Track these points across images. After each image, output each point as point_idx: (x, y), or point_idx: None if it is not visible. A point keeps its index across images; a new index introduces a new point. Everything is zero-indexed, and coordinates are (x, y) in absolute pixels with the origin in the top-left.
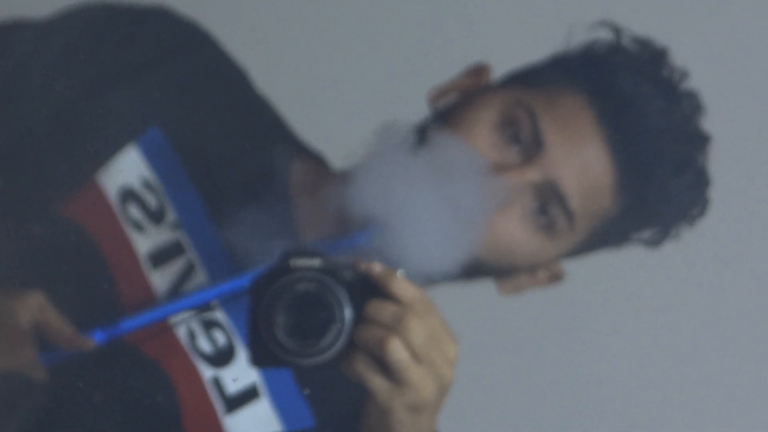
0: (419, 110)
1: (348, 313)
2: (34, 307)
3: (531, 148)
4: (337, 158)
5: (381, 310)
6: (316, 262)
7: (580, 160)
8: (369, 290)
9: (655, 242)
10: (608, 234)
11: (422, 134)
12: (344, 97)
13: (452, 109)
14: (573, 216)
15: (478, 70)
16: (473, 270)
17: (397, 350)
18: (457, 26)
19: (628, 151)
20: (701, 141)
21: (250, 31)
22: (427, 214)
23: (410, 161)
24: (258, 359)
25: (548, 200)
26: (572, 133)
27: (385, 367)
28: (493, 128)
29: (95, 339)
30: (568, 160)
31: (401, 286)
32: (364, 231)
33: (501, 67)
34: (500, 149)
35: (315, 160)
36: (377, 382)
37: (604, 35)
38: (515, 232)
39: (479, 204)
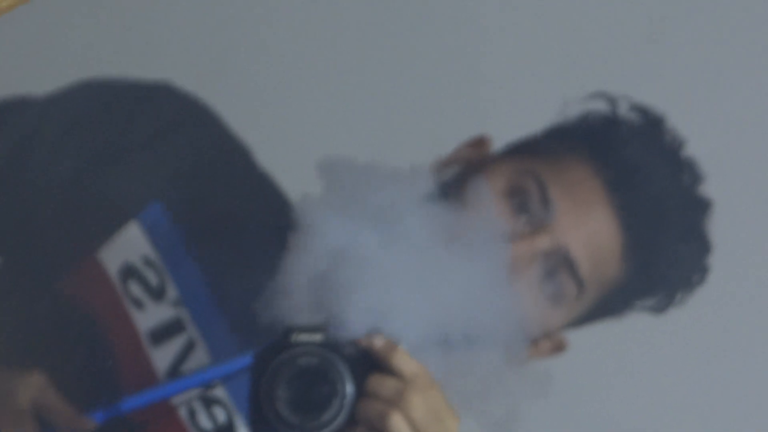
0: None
1: (349, 387)
2: (34, 387)
3: (540, 216)
4: None
5: (382, 384)
6: (317, 336)
7: (589, 227)
8: (370, 365)
9: (660, 309)
10: (613, 301)
11: (428, 206)
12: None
13: (457, 180)
14: (583, 282)
15: (479, 142)
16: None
17: (397, 425)
18: (457, 97)
19: (635, 218)
20: (705, 207)
21: (251, 107)
22: (437, 284)
23: (417, 233)
24: None
25: (557, 267)
26: (580, 200)
27: None
28: (500, 197)
29: (95, 419)
30: (577, 227)
31: (402, 360)
32: None
33: (499, 138)
34: (509, 218)
35: None
36: None
37: (602, 105)
38: (522, 302)
39: (493, 274)
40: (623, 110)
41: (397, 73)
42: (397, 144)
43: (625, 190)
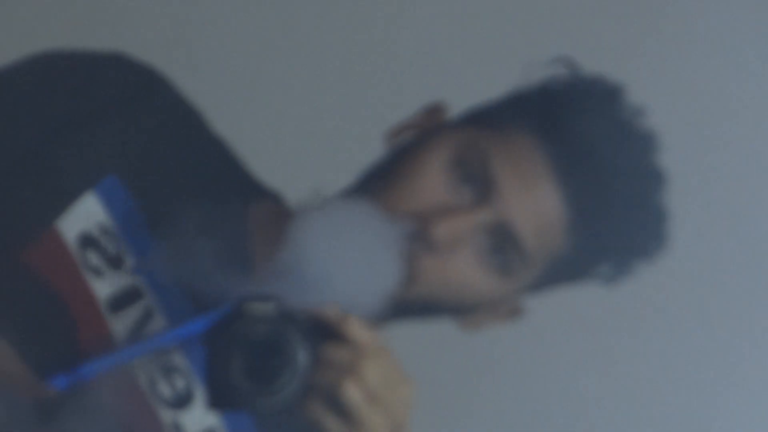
0: (376, 148)
1: (302, 356)
2: None
3: (483, 189)
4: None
5: (335, 353)
6: (269, 306)
7: (532, 200)
8: (323, 333)
9: (611, 278)
10: (565, 270)
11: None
12: (302, 135)
13: (406, 148)
14: (526, 255)
15: (434, 109)
16: (428, 309)
17: (351, 392)
18: (411, 62)
19: (579, 191)
20: (656, 178)
21: (209, 76)
22: (362, 258)
23: (349, 206)
24: (215, 402)
25: (501, 241)
26: (524, 173)
27: (340, 409)
28: (445, 168)
29: (56, 385)
30: (520, 200)
31: (354, 328)
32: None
33: (458, 104)
34: (452, 190)
35: (272, 200)
36: (332, 424)
37: (560, 72)
38: (468, 273)
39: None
40: (579, 79)
41: (352, 40)
42: (351, 111)
43: (569, 163)
